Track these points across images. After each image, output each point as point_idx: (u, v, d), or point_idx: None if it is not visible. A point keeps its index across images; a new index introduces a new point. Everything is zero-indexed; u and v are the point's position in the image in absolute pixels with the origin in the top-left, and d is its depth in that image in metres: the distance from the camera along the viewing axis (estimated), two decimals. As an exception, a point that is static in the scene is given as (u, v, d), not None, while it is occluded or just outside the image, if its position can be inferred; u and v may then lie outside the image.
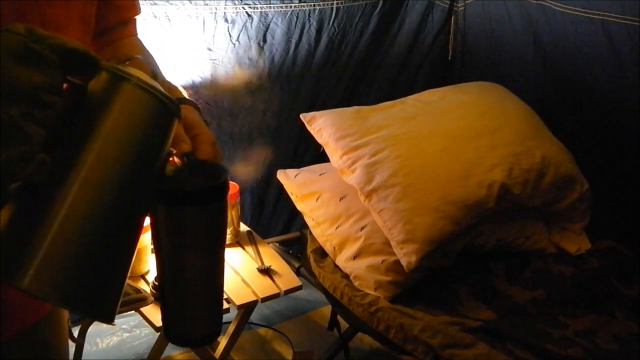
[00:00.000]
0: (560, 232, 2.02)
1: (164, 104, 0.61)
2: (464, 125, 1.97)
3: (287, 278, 1.91)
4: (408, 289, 1.77)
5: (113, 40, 0.91)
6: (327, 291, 1.88)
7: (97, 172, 0.56)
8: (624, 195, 2.15)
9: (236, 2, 2.21)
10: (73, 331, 1.74)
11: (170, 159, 0.65)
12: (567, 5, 2.20)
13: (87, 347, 1.96)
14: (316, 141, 2.03)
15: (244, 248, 2.05)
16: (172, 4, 2.09)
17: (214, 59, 2.25)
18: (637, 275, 1.90)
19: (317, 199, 2.00)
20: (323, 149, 2.01)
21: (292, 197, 2.09)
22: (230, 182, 2.05)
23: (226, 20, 2.22)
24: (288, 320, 2.46)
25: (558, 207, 1.97)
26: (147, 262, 1.86)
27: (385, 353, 2.17)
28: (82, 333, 1.79)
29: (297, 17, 2.35)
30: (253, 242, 2.07)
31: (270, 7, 2.28)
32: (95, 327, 2.17)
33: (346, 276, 1.85)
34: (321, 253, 1.97)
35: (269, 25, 2.30)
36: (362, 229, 1.86)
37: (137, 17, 0.96)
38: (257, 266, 1.94)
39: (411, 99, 2.16)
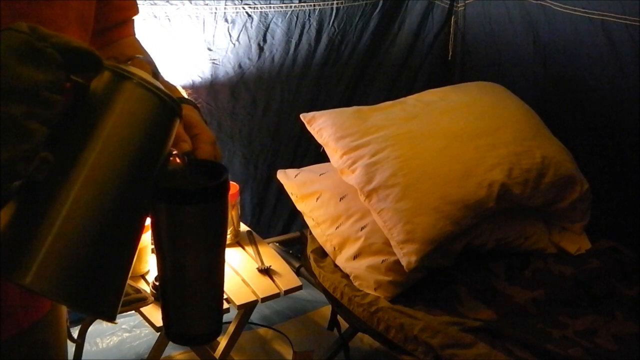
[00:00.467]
0: (560, 232, 2.02)
1: (166, 103, 0.61)
2: (464, 125, 1.97)
3: (287, 278, 1.91)
4: (408, 289, 1.77)
5: (111, 40, 0.91)
6: (327, 291, 1.88)
7: (98, 170, 0.56)
8: (624, 195, 2.15)
9: (236, 2, 2.21)
10: (73, 331, 1.74)
11: (171, 158, 0.65)
12: (567, 5, 2.20)
13: (87, 347, 1.96)
14: (316, 141, 2.03)
15: (244, 248, 2.05)
16: (172, 4, 2.09)
17: (214, 59, 2.25)
18: (637, 275, 1.90)
19: (317, 199, 2.00)
20: (323, 149, 2.01)
21: (292, 197, 2.09)
22: (230, 182, 2.05)
23: (226, 20, 2.22)
24: (288, 320, 2.46)
25: (558, 207, 1.97)
26: (147, 262, 1.86)
27: (385, 353, 2.17)
28: (82, 333, 1.79)
29: (297, 17, 2.35)
30: (253, 242, 2.07)
31: (270, 7, 2.28)
32: (95, 327, 2.17)
33: (346, 276, 1.85)
34: (321, 253, 1.97)
35: (269, 25, 2.30)
36: (362, 229, 1.86)
37: (136, 18, 0.96)
38: (257, 266, 1.94)
39: (411, 99, 2.16)
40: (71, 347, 1.73)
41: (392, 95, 2.44)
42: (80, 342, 1.75)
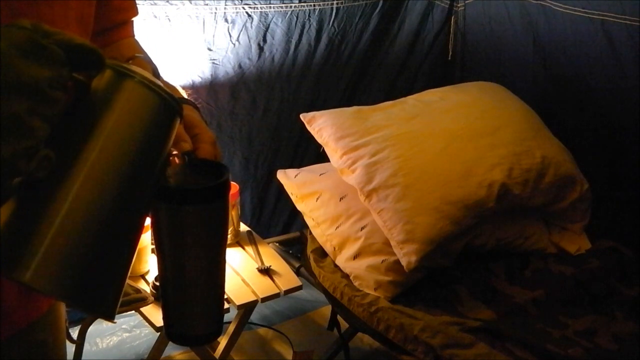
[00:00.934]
0: (560, 232, 2.02)
1: (167, 102, 0.61)
2: (464, 125, 1.97)
3: (287, 278, 1.91)
4: (408, 289, 1.77)
5: (111, 41, 0.91)
6: (327, 291, 1.88)
7: (99, 169, 0.56)
8: (624, 195, 2.15)
9: (236, 2, 2.21)
10: (72, 331, 1.73)
11: (171, 158, 0.65)
12: (567, 5, 2.20)
13: (87, 347, 1.96)
14: (316, 141, 2.03)
15: (244, 248, 2.05)
16: (172, 4, 2.09)
17: (214, 59, 2.25)
18: (637, 275, 1.90)
19: (317, 199, 2.00)
20: (323, 149, 2.01)
21: (292, 197, 2.09)
22: (231, 182, 2.05)
23: (226, 20, 2.22)
24: (288, 320, 2.46)
25: (558, 207, 1.97)
26: (147, 262, 1.86)
27: (385, 353, 2.17)
28: (82, 333, 1.79)
29: (297, 17, 2.35)
30: (253, 242, 2.07)
31: (270, 7, 2.28)
32: (95, 327, 2.17)
33: (346, 276, 1.85)
34: (321, 253, 1.97)
35: (269, 25, 2.30)
36: (362, 229, 1.86)
37: (136, 18, 0.96)
38: (257, 266, 1.94)
39: (411, 99, 2.16)
40: (71, 347, 1.72)
41: (392, 95, 2.44)
42: (80, 342, 1.75)
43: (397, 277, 1.75)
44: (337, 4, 2.42)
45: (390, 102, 2.13)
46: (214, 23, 2.20)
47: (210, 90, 2.29)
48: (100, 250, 0.57)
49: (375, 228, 1.82)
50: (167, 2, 2.08)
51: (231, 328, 1.99)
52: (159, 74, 0.80)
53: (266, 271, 1.92)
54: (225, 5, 2.19)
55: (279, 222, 2.61)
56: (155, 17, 2.08)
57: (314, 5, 2.37)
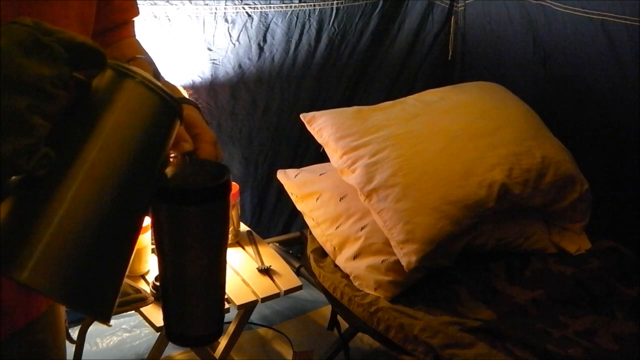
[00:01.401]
0: (560, 232, 2.02)
1: (168, 102, 0.61)
2: (464, 125, 1.97)
3: (287, 278, 1.91)
4: (408, 289, 1.77)
5: (112, 41, 0.91)
6: (327, 291, 1.88)
7: (98, 169, 0.56)
8: (624, 195, 2.15)
9: (236, 2, 2.21)
10: (72, 332, 1.73)
11: (172, 158, 0.65)
12: (567, 5, 2.20)
13: (87, 347, 1.96)
14: (316, 141, 2.03)
15: (244, 248, 2.05)
16: (172, 4, 2.09)
17: (214, 59, 2.25)
18: (637, 275, 1.90)
19: (317, 199, 2.00)
20: (323, 149, 2.01)
21: (292, 197, 2.09)
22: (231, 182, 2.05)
23: (226, 21, 2.22)
24: (288, 320, 2.46)
25: (558, 207, 1.97)
26: (147, 262, 1.86)
27: (385, 353, 2.18)
28: (82, 333, 1.79)
29: (297, 17, 2.35)
30: (253, 242, 2.07)
31: (270, 7, 2.28)
32: (95, 327, 2.17)
33: (346, 276, 1.85)
34: (321, 253, 1.97)
35: (269, 25, 2.30)
36: (362, 229, 1.86)
37: (136, 19, 0.96)
38: (257, 266, 1.94)
39: (411, 99, 2.16)
40: (71, 347, 1.72)
41: (392, 95, 2.44)
42: (80, 343, 1.74)
43: (397, 277, 1.75)
44: (337, 4, 2.42)
45: (390, 102, 2.13)
46: (214, 23, 2.20)
47: (210, 90, 2.29)
48: (99, 250, 0.56)
49: (375, 228, 1.82)
50: (167, 2, 2.08)
51: (231, 328, 1.99)
52: (159, 74, 0.80)
53: (266, 271, 1.92)
54: (225, 5, 2.19)
55: (279, 222, 2.61)
56: (155, 17, 2.08)
57: (314, 5, 2.37)
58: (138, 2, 0.96)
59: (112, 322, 2.28)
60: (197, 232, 0.64)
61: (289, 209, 2.49)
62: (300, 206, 2.05)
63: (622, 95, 2.10)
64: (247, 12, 2.25)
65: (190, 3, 2.13)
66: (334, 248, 1.90)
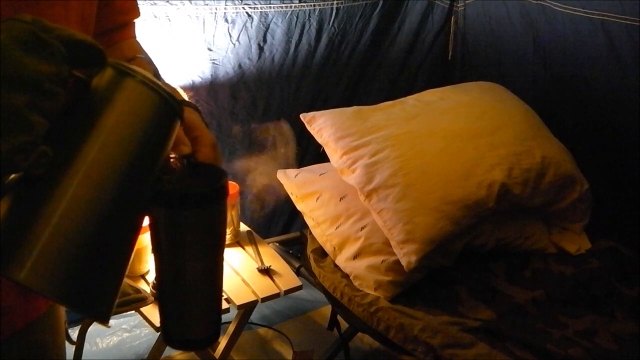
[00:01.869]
0: (560, 232, 2.02)
1: (168, 102, 0.60)
2: (464, 125, 1.97)
3: (287, 278, 1.91)
4: (408, 289, 1.77)
5: (112, 42, 0.91)
6: (327, 291, 1.88)
7: (98, 168, 0.55)
8: (624, 195, 2.15)
9: (236, 2, 2.21)
10: (72, 332, 1.73)
11: (171, 161, 0.65)
12: (567, 5, 2.20)
13: (87, 347, 1.96)
14: (316, 141, 2.03)
15: (244, 248, 2.05)
16: (172, 4, 2.09)
17: (214, 59, 2.25)
18: (637, 275, 1.90)
19: (317, 199, 2.00)
20: (323, 149, 2.01)
21: (292, 197, 2.09)
22: (231, 182, 2.05)
23: (226, 21, 2.22)
24: (288, 320, 2.46)
25: (558, 207, 1.97)
26: (147, 262, 1.86)
27: (385, 353, 2.17)
28: (82, 333, 1.79)
29: (297, 17, 2.35)
30: (253, 242, 2.07)
31: (270, 7, 2.28)
32: (95, 327, 2.17)
33: (346, 276, 1.85)
34: (321, 253, 1.97)
35: (269, 25, 2.30)
36: (362, 229, 1.86)
37: (136, 20, 0.96)
38: (257, 266, 1.94)
39: (411, 99, 2.16)
40: (70, 347, 1.72)
41: (392, 95, 2.44)
42: (80, 343, 1.74)
43: (397, 277, 1.75)
44: (337, 4, 2.42)
45: (390, 102, 2.13)
46: (214, 23, 2.20)
47: (210, 90, 2.29)
48: (98, 250, 0.56)
49: (375, 228, 1.82)
50: (167, 2, 2.08)
51: (231, 328, 1.99)
52: (159, 75, 0.80)
53: (266, 271, 1.92)
54: (225, 5, 2.19)
55: (279, 222, 2.61)
56: (155, 17, 2.08)
57: (314, 5, 2.37)
58: (138, 2, 0.96)
59: (112, 322, 2.29)
60: (195, 235, 0.63)
61: (289, 209, 2.49)
62: (300, 206, 2.05)
63: (622, 95, 2.10)
64: (247, 12, 2.25)
65: (190, 3, 2.13)
66: (334, 248, 1.90)
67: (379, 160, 1.85)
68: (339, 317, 1.96)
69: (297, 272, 2.01)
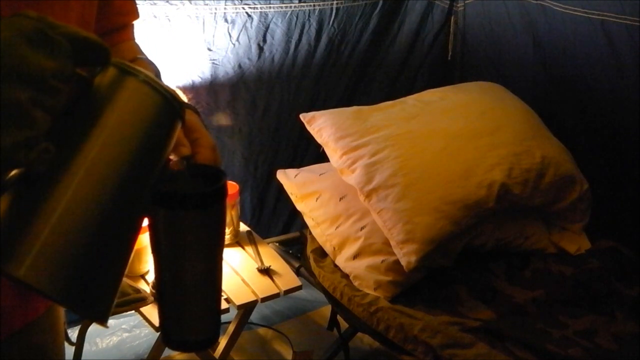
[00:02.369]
0: (560, 232, 2.02)
1: (170, 103, 0.60)
2: (464, 125, 1.97)
3: (287, 278, 1.91)
4: (408, 289, 1.77)
5: (111, 43, 0.90)
6: (327, 291, 1.88)
7: (99, 166, 0.55)
8: (624, 195, 2.15)
9: (236, 2, 2.21)
10: (72, 332, 1.73)
11: (170, 162, 0.65)
12: (567, 5, 2.20)
13: (87, 347, 1.96)
14: (316, 141, 2.03)
15: (244, 248, 2.05)
16: (172, 4, 2.09)
17: (214, 59, 2.25)
18: (637, 275, 1.90)
19: (317, 199, 2.00)
20: (323, 149, 2.01)
21: (292, 197, 2.09)
22: (230, 182, 2.05)
23: (226, 21, 2.22)
24: (288, 320, 2.46)
25: (558, 207, 1.97)
26: (147, 262, 1.86)
27: (385, 353, 2.17)
28: (82, 333, 1.79)
29: (297, 17, 2.35)
30: (253, 242, 2.07)
31: (270, 7, 2.28)
32: (95, 327, 2.17)
33: (346, 276, 1.85)
34: (321, 253, 1.97)
35: (269, 25, 2.30)
36: (362, 229, 1.86)
37: (136, 21, 0.96)
38: (257, 266, 1.94)
39: (411, 99, 2.16)
40: (70, 347, 1.72)
41: (392, 95, 2.44)
42: (79, 343, 1.74)
43: (397, 277, 1.75)
44: (337, 4, 2.42)
45: (390, 102, 2.13)
46: (214, 23, 2.20)
47: (210, 90, 2.29)
48: (98, 249, 0.56)
49: (375, 228, 1.82)
50: (167, 2, 2.08)
51: (231, 328, 1.99)
52: (160, 77, 0.80)
53: (266, 271, 1.92)
54: (225, 5, 2.19)
55: (279, 222, 2.61)
56: (155, 17, 2.08)
57: (314, 5, 2.37)
58: (138, 2, 0.96)
59: (112, 322, 2.29)
60: (194, 236, 0.63)
61: (289, 209, 2.49)
62: (300, 206, 2.05)
63: (622, 95, 2.10)
64: (247, 12, 2.24)
65: (190, 3, 2.13)
66: (334, 248, 1.90)
67: (378, 160, 1.85)
68: (338, 317, 1.96)
69: (297, 272, 2.01)
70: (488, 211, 1.82)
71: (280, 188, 2.22)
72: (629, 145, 2.12)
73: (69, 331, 1.53)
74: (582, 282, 1.85)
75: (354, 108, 2.08)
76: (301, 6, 2.34)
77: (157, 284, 0.67)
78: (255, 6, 2.25)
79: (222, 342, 1.99)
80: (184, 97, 1.98)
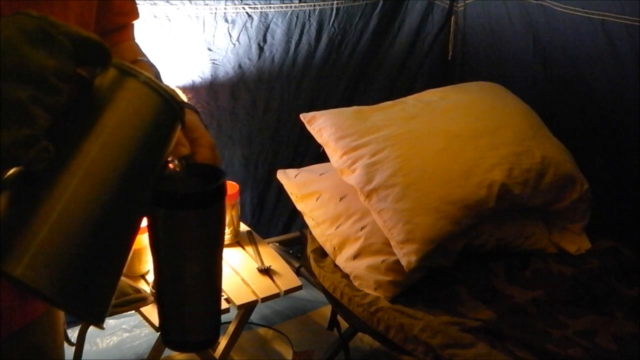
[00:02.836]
0: (560, 232, 2.02)
1: (170, 104, 0.60)
2: (464, 125, 1.97)
3: (287, 278, 1.91)
4: (408, 289, 1.77)
5: (110, 44, 0.90)
6: (327, 291, 1.88)
7: (98, 167, 0.55)
8: (624, 195, 2.15)
9: (236, 2, 2.21)
10: (71, 332, 1.73)
11: (170, 162, 0.65)
12: (567, 5, 2.20)
13: (87, 347, 1.96)
14: (316, 141, 2.03)
15: (244, 248, 2.05)
16: (172, 4, 2.09)
17: (214, 59, 2.25)
18: (637, 275, 1.90)
19: (317, 199, 2.00)
20: (323, 149, 2.01)
21: (292, 197, 2.09)
22: (231, 182, 2.05)
23: (226, 21, 2.22)
24: (288, 320, 2.46)
25: (558, 207, 1.97)
26: (147, 262, 1.86)
27: (385, 353, 2.17)
28: (82, 333, 1.79)
29: (297, 17, 2.35)
30: (253, 242, 2.07)
31: (270, 7, 2.28)
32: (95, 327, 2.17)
33: (346, 276, 1.85)
34: (321, 253, 1.97)
35: (269, 25, 2.30)
36: (362, 229, 1.86)
37: (136, 21, 0.96)
38: (257, 266, 1.94)
39: (411, 99, 2.16)
40: (70, 348, 1.72)
41: (392, 95, 2.44)
42: (79, 343, 1.74)
43: (397, 277, 1.75)
44: (337, 4, 2.42)
45: (390, 102, 2.13)
46: (214, 23, 2.20)
47: (210, 90, 2.29)
48: (96, 249, 0.56)
49: (375, 228, 1.82)
50: (167, 2, 2.08)
51: (231, 328, 1.99)
52: (160, 77, 0.80)
53: (266, 271, 1.92)
54: (225, 5, 2.19)
55: (279, 222, 2.61)
56: (155, 17, 2.08)
57: (314, 5, 2.37)
58: (138, 2, 0.96)
59: (112, 322, 2.29)
60: (193, 236, 0.64)
61: (289, 209, 2.49)
62: (300, 206, 2.05)
63: (622, 95, 2.10)
64: (247, 12, 2.24)
65: (190, 3, 2.13)
66: (334, 248, 1.90)
67: (379, 160, 1.85)
68: (339, 317, 1.96)
69: (297, 272, 2.01)
70: (488, 211, 1.82)
71: (280, 188, 2.22)
72: (629, 145, 2.12)
73: (69, 331, 1.54)
74: (582, 282, 1.85)
75: (354, 108, 2.08)
76: (301, 6, 2.34)
77: (157, 284, 0.67)
78: (256, 6, 2.25)
79: (222, 342, 1.99)
80: (183, 97, 1.98)
